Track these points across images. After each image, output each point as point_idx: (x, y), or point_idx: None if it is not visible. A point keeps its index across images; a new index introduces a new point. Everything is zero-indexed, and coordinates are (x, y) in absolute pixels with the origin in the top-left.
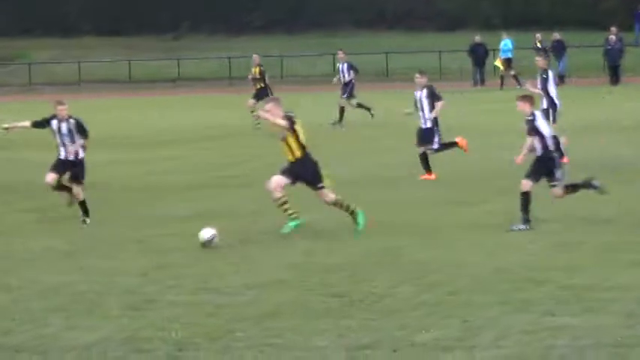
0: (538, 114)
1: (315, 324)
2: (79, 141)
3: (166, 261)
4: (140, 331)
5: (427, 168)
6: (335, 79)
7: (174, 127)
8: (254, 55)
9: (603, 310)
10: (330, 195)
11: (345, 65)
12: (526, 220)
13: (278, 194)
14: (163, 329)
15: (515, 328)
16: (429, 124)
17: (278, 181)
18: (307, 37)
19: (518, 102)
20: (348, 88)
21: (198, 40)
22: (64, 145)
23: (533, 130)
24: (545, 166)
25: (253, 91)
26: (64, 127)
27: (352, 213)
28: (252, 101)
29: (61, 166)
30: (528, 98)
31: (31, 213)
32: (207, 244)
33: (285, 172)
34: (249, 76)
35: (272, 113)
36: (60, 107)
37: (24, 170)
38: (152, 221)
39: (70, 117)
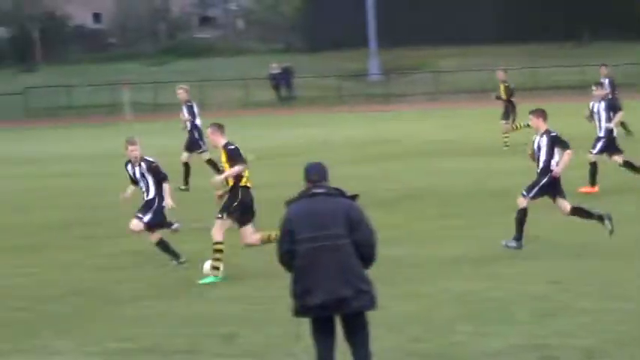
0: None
1: None
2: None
3: (580, 267)
4: (549, 338)
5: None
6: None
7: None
8: (498, 72)
9: None
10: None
11: (607, 80)
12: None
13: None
14: (572, 336)
15: None
16: (602, 134)
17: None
18: None
19: (531, 116)
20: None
21: (598, 46)
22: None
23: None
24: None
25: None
26: (137, 172)
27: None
28: (502, 122)
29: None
30: (541, 112)
31: (439, 220)
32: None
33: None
34: (495, 95)
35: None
36: (131, 147)
37: (436, 176)
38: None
39: (142, 159)
